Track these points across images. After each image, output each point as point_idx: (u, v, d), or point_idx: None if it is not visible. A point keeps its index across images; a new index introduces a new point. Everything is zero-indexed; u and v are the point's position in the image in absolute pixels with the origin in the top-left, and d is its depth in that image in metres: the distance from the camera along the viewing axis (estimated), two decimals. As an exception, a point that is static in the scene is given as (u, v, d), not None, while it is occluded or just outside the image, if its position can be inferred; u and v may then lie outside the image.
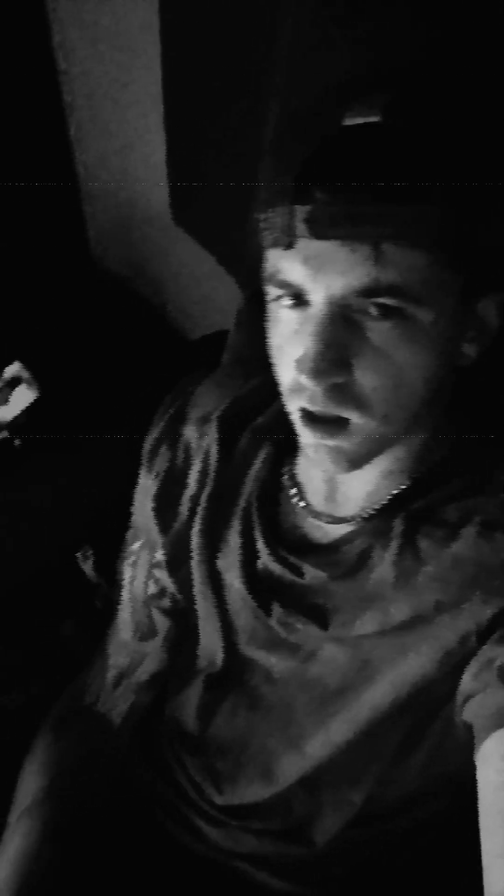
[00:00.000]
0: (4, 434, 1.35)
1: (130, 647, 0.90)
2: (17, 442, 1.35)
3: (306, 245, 0.57)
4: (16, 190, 1.70)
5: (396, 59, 0.72)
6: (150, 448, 0.88)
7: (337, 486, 0.75)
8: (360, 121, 0.57)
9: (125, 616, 0.91)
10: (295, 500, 0.78)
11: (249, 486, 0.81)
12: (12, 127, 1.68)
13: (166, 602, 0.88)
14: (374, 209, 0.54)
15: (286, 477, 0.80)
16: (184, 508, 0.84)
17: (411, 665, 0.68)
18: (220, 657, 0.82)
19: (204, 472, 0.83)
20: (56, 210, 1.85)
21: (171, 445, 0.86)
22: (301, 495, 0.78)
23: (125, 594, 0.91)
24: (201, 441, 0.84)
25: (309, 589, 0.75)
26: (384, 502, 0.72)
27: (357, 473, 0.71)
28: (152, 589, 0.88)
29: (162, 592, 0.88)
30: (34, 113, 1.71)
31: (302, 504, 0.78)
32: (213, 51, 1.09)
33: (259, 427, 0.83)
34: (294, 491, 0.79)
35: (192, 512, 0.83)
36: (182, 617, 0.88)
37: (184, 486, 0.85)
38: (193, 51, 1.13)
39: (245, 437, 0.83)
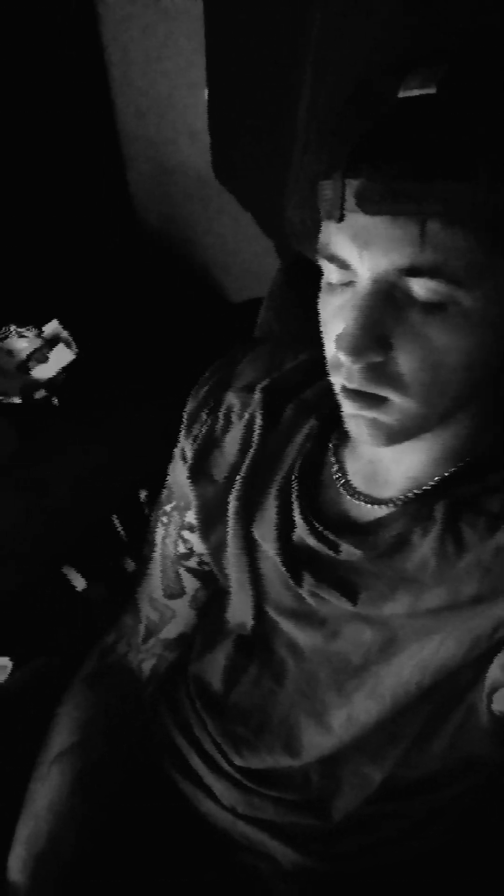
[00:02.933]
0: (42, 393, 1.36)
1: (160, 603, 0.93)
2: (54, 401, 1.36)
3: (356, 220, 0.56)
4: (57, 151, 1.70)
5: (453, 27, 0.69)
6: (190, 412, 0.88)
7: (379, 468, 0.75)
8: (415, 93, 0.54)
9: (156, 573, 0.93)
10: (337, 476, 0.78)
11: (291, 458, 0.81)
12: (55, 87, 1.67)
13: (193, 562, 0.91)
14: (418, 186, 0.52)
15: (330, 453, 0.79)
16: (221, 474, 0.84)
17: (438, 649, 0.68)
18: (250, 622, 0.84)
19: (246, 441, 0.83)
20: (98, 168, 1.84)
21: (212, 411, 0.86)
22: (343, 473, 0.78)
23: (157, 552, 0.93)
24: (244, 409, 0.84)
25: (342, 565, 0.75)
26: (426, 487, 0.71)
27: (401, 457, 0.71)
28: (181, 549, 0.91)
29: (190, 553, 0.90)
30: (76, 72, 1.69)
31: (342, 482, 0.77)
32: (258, 9, 1.07)
33: (305, 400, 0.83)
34: (336, 468, 0.78)
35: (231, 479, 0.83)
36: (209, 579, 0.91)
37: (222, 451, 0.85)
38: (236, 8, 1.11)
39: (290, 410, 0.83)
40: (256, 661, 0.84)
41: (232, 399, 0.86)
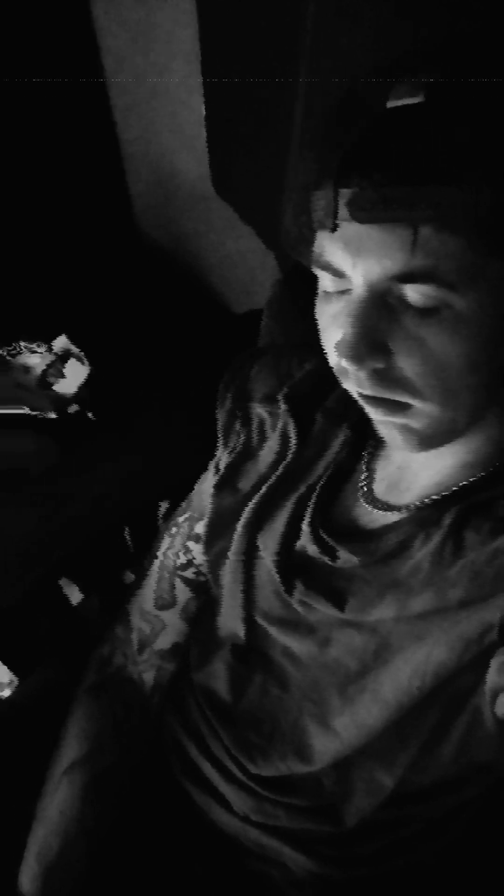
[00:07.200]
0: (76, 407, 1.39)
1: (150, 615, 0.94)
2: (90, 415, 1.40)
3: (348, 228, 0.56)
4: (61, 167, 1.73)
5: (441, 34, 0.68)
6: (224, 424, 0.90)
7: (406, 474, 0.75)
8: (404, 103, 0.54)
9: (151, 584, 0.95)
10: (361, 484, 0.78)
11: (323, 466, 0.81)
12: (57, 104, 1.70)
13: (190, 573, 0.92)
14: (409, 191, 0.52)
15: (364, 461, 0.80)
16: (248, 483, 0.86)
17: (430, 653, 0.67)
18: (241, 631, 0.84)
19: (282, 452, 0.84)
20: (100, 184, 1.86)
21: (245, 422, 0.88)
22: (369, 481, 0.78)
23: (157, 562, 0.95)
24: (275, 420, 0.85)
25: (336, 572, 0.75)
26: (445, 493, 0.71)
27: (432, 462, 0.71)
28: (182, 559, 0.93)
29: (189, 563, 0.92)
30: (78, 90, 1.72)
31: (365, 489, 0.77)
32: (252, 22, 1.07)
33: (331, 409, 0.83)
34: (365, 476, 0.78)
35: (256, 489, 0.84)
36: (202, 589, 0.92)
37: (255, 463, 0.86)
38: (231, 23, 1.11)
39: (319, 419, 0.83)
40: (258, 669, 0.84)
41: (259, 411, 0.87)
